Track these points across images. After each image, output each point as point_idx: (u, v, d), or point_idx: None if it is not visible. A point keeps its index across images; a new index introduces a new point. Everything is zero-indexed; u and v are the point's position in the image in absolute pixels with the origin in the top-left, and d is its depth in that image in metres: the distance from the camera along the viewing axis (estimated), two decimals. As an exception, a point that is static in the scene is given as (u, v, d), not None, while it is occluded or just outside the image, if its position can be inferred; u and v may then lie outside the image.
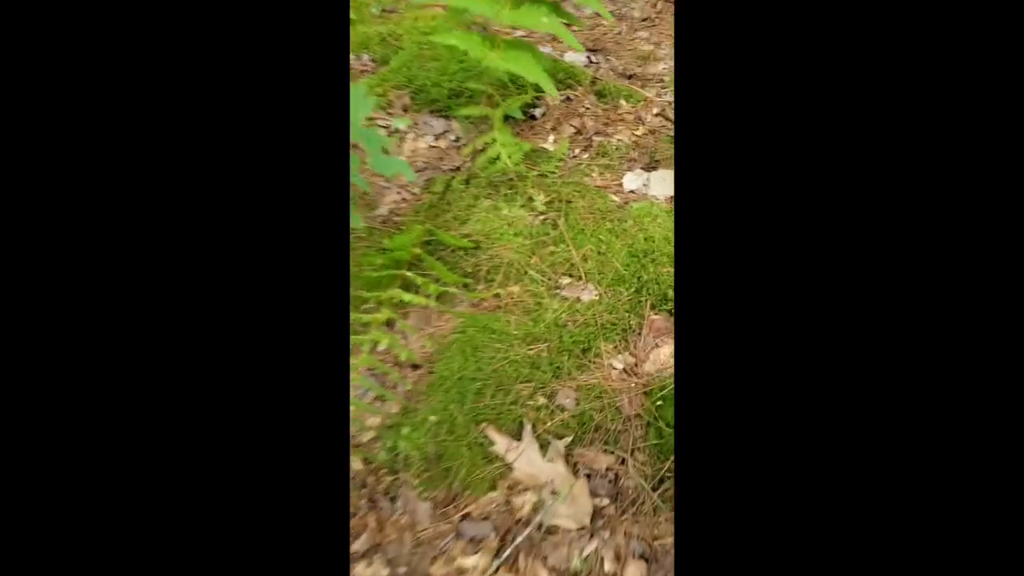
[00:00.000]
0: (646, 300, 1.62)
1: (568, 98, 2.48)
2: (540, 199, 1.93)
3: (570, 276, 1.69)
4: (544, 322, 1.56)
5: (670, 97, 2.59)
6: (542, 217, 1.90)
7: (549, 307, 1.59)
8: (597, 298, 1.63)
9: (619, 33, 3.20)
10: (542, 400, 1.45)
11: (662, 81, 2.74)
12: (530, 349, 1.51)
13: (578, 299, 1.63)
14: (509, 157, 1.93)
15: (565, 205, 1.91)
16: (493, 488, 1.32)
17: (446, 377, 1.45)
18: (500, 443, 1.37)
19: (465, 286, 1.65)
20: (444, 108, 2.37)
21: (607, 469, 1.37)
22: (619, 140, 2.25)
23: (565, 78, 2.53)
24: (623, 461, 1.38)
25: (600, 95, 2.52)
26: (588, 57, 2.87)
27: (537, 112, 2.39)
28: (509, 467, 1.34)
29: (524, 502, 1.30)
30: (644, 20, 3.30)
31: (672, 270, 1.68)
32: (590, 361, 1.52)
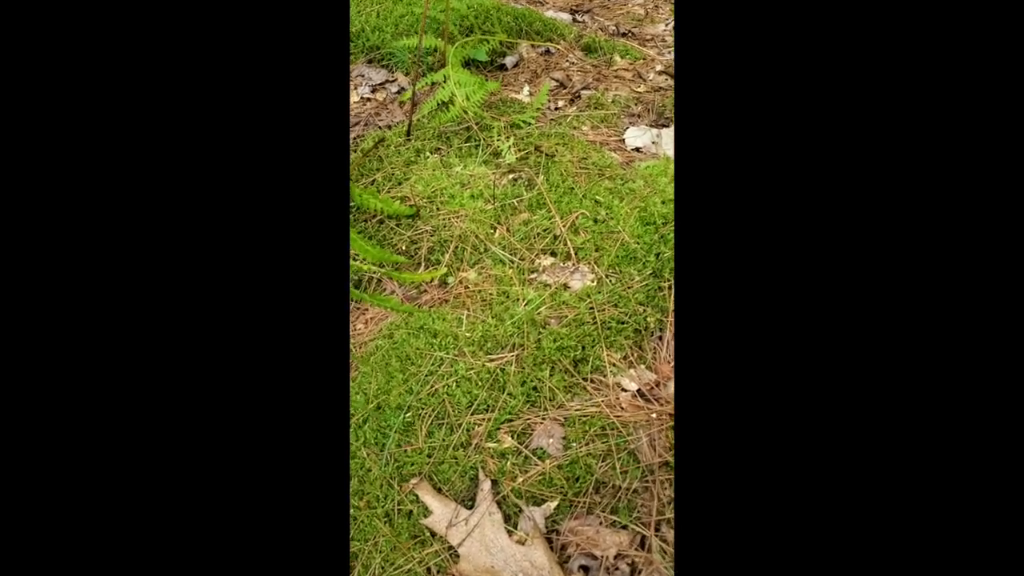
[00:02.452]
0: (669, 287, 1.04)
1: (548, 51, 1.95)
2: (510, 150, 1.36)
3: (553, 254, 1.11)
4: (513, 320, 0.98)
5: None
6: (512, 176, 1.33)
7: (521, 298, 1.00)
8: (594, 284, 1.06)
9: (608, -1, 2.78)
10: (508, 441, 1.02)
11: (664, 41, 2.27)
12: (490, 360, 0.96)
13: (565, 286, 1.06)
14: (466, 99, 1.36)
15: (546, 160, 1.34)
16: (425, 591, 0.94)
17: (359, 404, 1.07)
18: (439, 512, 0.98)
19: (396, 267, 1.06)
20: (385, 57, 1.83)
21: (618, 556, 0.94)
22: (616, 95, 1.71)
23: (544, 29, 2.00)
24: (643, 541, 0.94)
25: (588, 50, 2.01)
26: (572, 15, 2.37)
27: (508, 61, 1.85)
28: (453, 552, 0.95)
29: (477, 616, 0.94)
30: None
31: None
32: (585, 379, 1.08)
